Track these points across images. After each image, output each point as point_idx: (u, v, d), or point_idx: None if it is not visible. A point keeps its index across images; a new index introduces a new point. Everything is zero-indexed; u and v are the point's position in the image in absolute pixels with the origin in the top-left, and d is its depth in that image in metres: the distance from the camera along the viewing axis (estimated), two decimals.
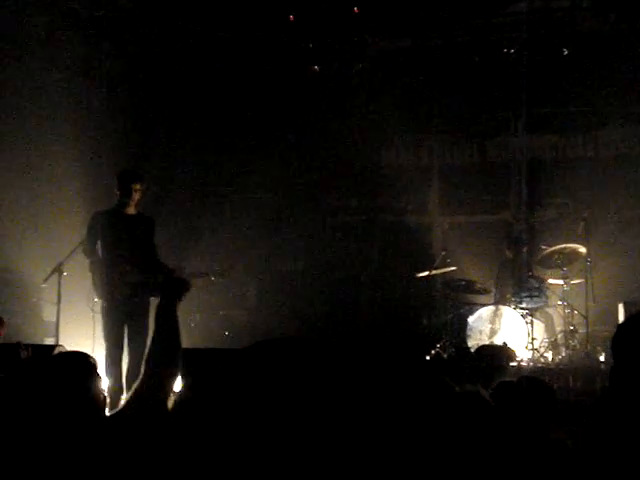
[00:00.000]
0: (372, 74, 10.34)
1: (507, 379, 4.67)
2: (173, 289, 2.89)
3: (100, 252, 6.67)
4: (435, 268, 8.92)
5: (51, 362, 3.16)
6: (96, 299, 6.67)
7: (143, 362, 2.78)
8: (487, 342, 8.19)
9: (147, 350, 2.78)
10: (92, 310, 6.68)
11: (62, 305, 6.97)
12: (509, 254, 9.24)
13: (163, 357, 2.70)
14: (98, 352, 6.49)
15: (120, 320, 6.54)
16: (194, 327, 8.85)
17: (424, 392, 2.45)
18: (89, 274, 6.73)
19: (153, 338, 2.76)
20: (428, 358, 8.18)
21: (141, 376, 2.73)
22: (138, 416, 2.58)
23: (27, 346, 3.83)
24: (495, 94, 10.28)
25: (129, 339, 6.56)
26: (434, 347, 8.29)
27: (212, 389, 1.66)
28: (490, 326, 8.41)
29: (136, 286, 6.54)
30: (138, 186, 6.66)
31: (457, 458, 2.03)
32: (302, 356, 1.66)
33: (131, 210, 6.72)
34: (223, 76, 10.35)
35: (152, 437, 2.49)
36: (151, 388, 2.65)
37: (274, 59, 10.09)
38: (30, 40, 9.24)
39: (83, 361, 3.14)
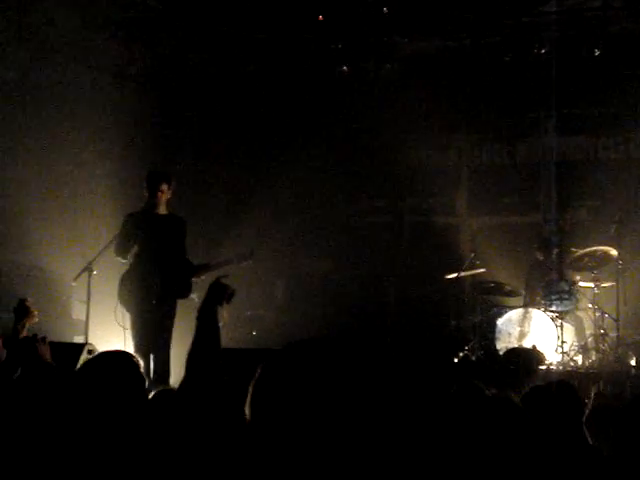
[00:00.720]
0: (401, 74, 10.30)
1: (537, 383, 4.62)
2: (217, 294, 2.93)
3: (132, 255, 6.74)
4: (464, 270, 8.87)
5: (96, 361, 3.18)
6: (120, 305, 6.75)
7: (185, 363, 2.81)
8: (516, 345, 8.12)
9: (189, 351, 2.81)
10: (123, 327, 6.73)
11: (91, 303, 7.03)
12: (539, 256, 9.15)
13: (204, 358, 2.73)
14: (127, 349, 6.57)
15: (148, 324, 6.60)
16: (222, 327, 8.86)
17: (454, 395, 2.42)
18: (117, 281, 6.82)
19: (194, 339, 2.80)
20: (456, 360, 8.13)
21: (183, 376, 2.77)
22: (181, 414, 2.61)
23: (44, 338, 3.84)
24: (525, 94, 10.20)
25: (155, 338, 6.62)
26: (462, 349, 8.24)
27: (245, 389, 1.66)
28: (519, 329, 8.34)
29: (164, 296, 6.60)
30: (165, 186, 6.69)
31: (487, 463, 2.01)
32: (332, 357, 1.66)
33: (162, 210, 6.75)
34: (253, 76, 10.38)
35: (195, 434, 2.51)
36: (193, 388, 2.68)
37: (303, 59, 10.10)
38: (61, 41, 9.32)
39: (128, 361, 3.17)
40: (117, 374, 3.03)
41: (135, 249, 6.75)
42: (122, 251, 6.73)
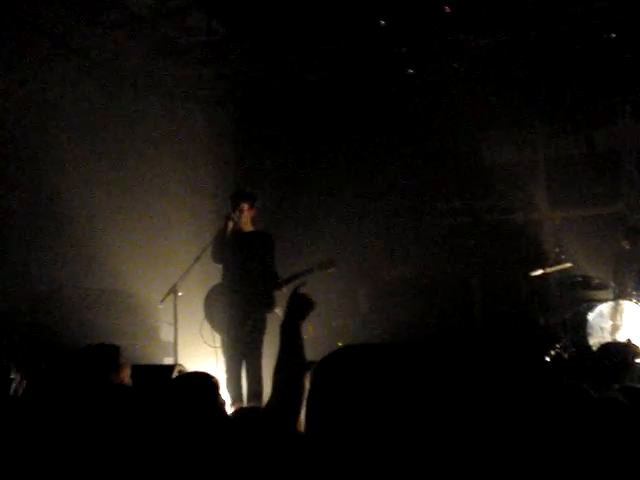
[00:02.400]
0: (469, 72, 10.15)
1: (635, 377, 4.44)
2: (298, 308, 2.91)
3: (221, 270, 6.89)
4: (549, 266, 8.65)
5: (176, 383, 3.23)
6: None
7: (272, 380, 2.81)
8: (610, 339, 7.88)
9: (274, 368, 2.80)
10: (209, 345, 6.85)
11: (179, 325, 7.14)
12: (626, 245, 8.87)
13: (290, 374, 2.72)
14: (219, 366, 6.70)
15: (236, 341, 6.68)
16: (307, 339, 8.89)
17: (559, 399, 2.33)
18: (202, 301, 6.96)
19: (279, 356, 2.79)
20: (548, 359, 7.95)
21: (271, 394, 2.77)
22: (270, 433, 2.61)
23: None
24: (599, 81, 9.93)
25: (245, 354, 6.68)
26: (554, 348, 8.05)
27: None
28: (611, 322, 8.09)
29: (249, 312, 6.67)
30: (245, 205, 6.81)
31: (598, 471, 1.92)
32: (417, 361, 1.59)
33: (247, 227, 6.88)
34: (321, 88, 10.41)
35: (283, 454, 2.49)
36: (281, 404, 2.67)
37: (369, 66, 10.06)
38: (130, 69, 9.55)
39: (207, 382, 3.20)
40: (195, 396, 3.06)
41: (223, 266, 6.90)
42: (217, 259, 6.86)
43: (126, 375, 3.57)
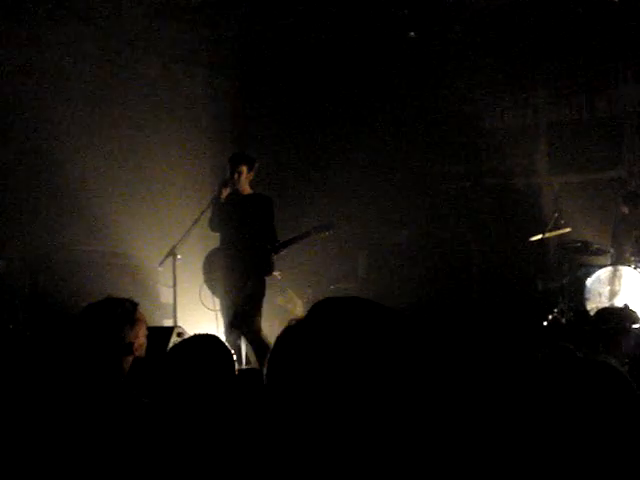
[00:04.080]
0: (471, 35, 10.07)
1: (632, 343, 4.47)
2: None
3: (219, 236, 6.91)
4: (548, 231, 8.66)
5: (187, 345, 3.25)
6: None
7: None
8: (607, 305, 7.92)
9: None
10: (209, 309, 6.88)
11: (178, 287, 7.16)
12: (625, 210, 8.87)
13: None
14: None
15: (235, 304, 6.70)
16: (307, 303, 8.93)
17: (543, 359, 2.33)
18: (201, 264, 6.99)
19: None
20: (545, 324, 7.99)
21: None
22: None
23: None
24: (600, 45, 9.85)
25: (243, 318, 6.71)
26: (551, 312, 8.09)
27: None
28: (609, 288, 8.12)
29: (247, 275, 6.68)
30: (244, 168, 6.77)
31: (580, 433, 1.93)
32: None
33: (243, 191, 6.85)
34: (322, 50, 10.33)
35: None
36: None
37: (370, 29, 9.98)
38: (129, 32, 9.47)
39: (219, 345, 3.22)
40: (208, 357, 3.08)
41: (220, 230, 6.91)
42: (213, 227, 6.95)
43: (142, 332, 3.58)
